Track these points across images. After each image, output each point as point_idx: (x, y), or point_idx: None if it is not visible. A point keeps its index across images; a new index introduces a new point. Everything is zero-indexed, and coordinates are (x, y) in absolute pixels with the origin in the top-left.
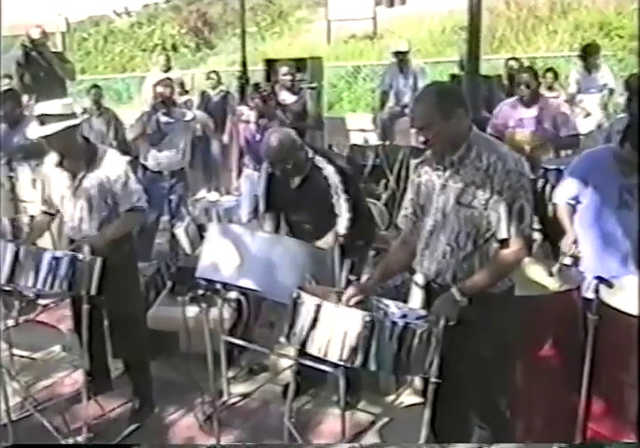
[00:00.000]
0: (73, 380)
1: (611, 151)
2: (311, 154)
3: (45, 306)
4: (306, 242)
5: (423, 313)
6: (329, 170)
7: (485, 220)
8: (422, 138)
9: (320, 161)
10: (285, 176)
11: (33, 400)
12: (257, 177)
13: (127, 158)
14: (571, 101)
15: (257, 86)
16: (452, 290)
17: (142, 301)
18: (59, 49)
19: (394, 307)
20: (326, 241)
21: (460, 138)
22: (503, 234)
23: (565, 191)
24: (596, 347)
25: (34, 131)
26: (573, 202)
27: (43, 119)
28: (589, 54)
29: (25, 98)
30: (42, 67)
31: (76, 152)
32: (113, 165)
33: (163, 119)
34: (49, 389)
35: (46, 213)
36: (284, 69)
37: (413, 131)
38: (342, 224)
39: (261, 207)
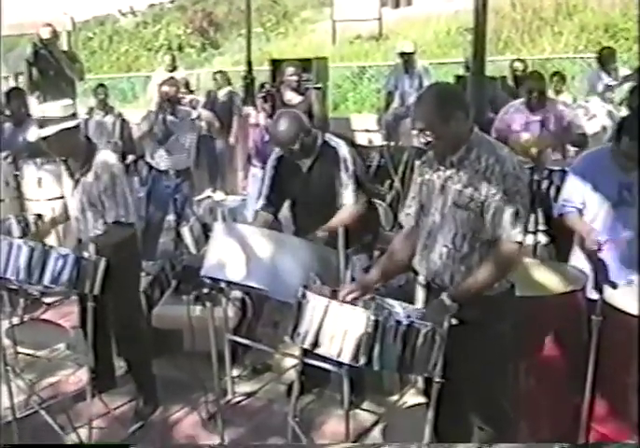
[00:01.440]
0: (77, 378)
1: (608, 150)
2: (320, 135)
3: (49, 304)
4: (311, 240)
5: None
6: (340, 144)
7: (481, 223)
8: (422, 140)
9: (332, 138)
10: (294, 160)
11: (37, 398)
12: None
13: (130, 157)
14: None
15: (262, 86)
16: (442, 296)
17: (143, 301)
18: (64, 48)
19: (398, 307)
20: (330, 224)
21: (460, 140)
22: (495, 237)
23: (567, 195)
24: (600, 348)
25: (33, 133)
26: (580, 206)
27: (42, 121)
28: (606, 59)
29: (35, 96)
30: (51, 66)
31: (75, 154)
32: (102, 172)
33: (169, 118)
34: (54, 387)
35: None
36: (290, 69)
37: (415, 132)
38: (349, 195)
39: (259, 204)
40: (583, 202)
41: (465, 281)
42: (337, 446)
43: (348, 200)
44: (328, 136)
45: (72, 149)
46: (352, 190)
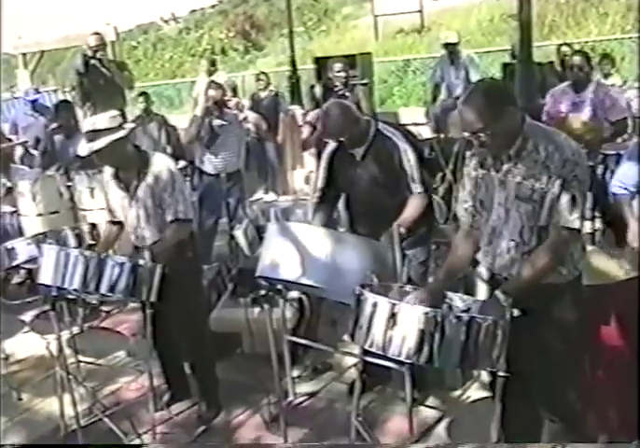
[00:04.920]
0: (139, 385)
1: None
2: (373, 123)
3: (108, 312)
4: (366, 236)
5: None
6: (396, 134)
7: (545, 213)
8: (476, 141)
9: (386, 129)
10: (348, 149)
11: (100, 406)
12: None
13: (181, 163)
14: None
15: (333, 86)
16: (496, 293)
17: (205, 305)
18: (110, 57)
19: (458, 300)
20: (405, 218)
21: (514, 134)
22: (551, 223)
23: (620, 176)
24: None
25: (82, 148)
26: (633, 189)
27: (90, 135)
28: None
29: (86, 107)
30: (102, 76)
31: (128, 163)
32: (160, 170)
33: (216, 121)
34: (116, 394)
35: (112, 222)
36: (337, 66)
37: (466, 134)
38: (417, 185)
39: (316, 198)
40: (635, 184)
41: (514, 277)
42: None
43: (417, 190)
44: (382, 125)
45: (123, 159)
46: (419, 181)
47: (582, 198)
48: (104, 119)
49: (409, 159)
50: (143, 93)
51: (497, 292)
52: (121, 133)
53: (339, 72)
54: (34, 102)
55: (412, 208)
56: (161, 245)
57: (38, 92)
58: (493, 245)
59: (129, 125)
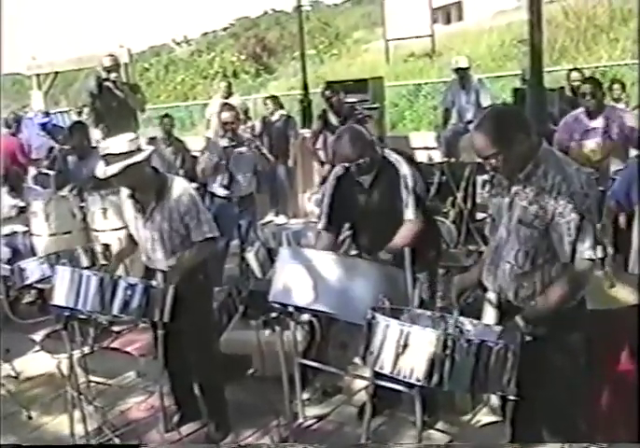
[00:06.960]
0: (148, 405)
1: None
2: (380, 150)
3: (119, 333)
4: (377, 262)
5: (498, 329)
6: (399, 160)
7: (546, 241)
8: (488, 167)
9: (390, 154)
10: (357, 176)
11: (110, 426)
12: (323, 191)
13: (194, 185)
14: None
15: (353, 108)
16: (515, 319)
17: (215, 327)
18: (123, 79)
19: (468, 325)
20: (393, 245)
21: (525, 159)
22: (566, 257)
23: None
24: None
25: (100, 170)
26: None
27: (108, 158)
28: None
29: (99, 129)
30: (115, 98)
31: (145, 185)
32: (181, 195)
33: (229, 144)
34: (126, 414)
35: (131, 237)
36: (327, 93)
37: (479, 159)
38: (409, 213)
39: (320, 224)
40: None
41: (538, 301)
42: None
43: (409, 217)
44: (387, 152)
45: (141, 181)
46: (412, 207)
47: (594, 228)
48: (122, 142)
49: (407, 185)
50: (166, 116)
51: (517, 318)
52: (140, 157)
53: (328, 99)
54: (44, 124)
55: (401, 235)
56: (182, 263)
57: (47, 115)
58: (494, 265)
59: (147, 148)
